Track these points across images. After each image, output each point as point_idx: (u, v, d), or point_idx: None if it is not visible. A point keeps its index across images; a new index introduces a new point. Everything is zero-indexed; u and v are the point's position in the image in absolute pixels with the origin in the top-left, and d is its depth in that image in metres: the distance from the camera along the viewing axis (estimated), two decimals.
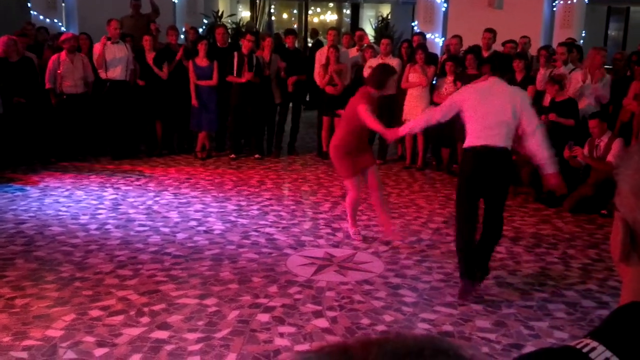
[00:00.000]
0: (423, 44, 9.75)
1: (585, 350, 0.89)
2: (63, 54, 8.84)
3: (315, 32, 16.64)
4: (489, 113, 4.73)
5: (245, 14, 18.48)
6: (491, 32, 9.49)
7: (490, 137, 4.72)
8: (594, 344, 0.90)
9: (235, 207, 7.14)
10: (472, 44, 9.38)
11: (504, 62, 5.38)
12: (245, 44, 9.26)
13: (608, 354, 0.88)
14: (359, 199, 6.21)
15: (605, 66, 8.61)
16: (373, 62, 9.25)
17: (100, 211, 6.88)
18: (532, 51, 10.10)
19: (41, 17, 11.73)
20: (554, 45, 10.08)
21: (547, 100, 8.18)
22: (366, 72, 9.29)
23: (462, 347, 0.55)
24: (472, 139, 4.80)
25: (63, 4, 12.38)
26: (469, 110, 4.83)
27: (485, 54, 9.35)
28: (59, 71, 8.76)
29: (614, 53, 11.38)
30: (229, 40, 10.49)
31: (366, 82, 6.05)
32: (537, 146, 4.77)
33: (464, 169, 4.96)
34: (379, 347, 0.52)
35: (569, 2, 11.98)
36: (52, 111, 8.89)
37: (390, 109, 9.25)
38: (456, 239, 5.02)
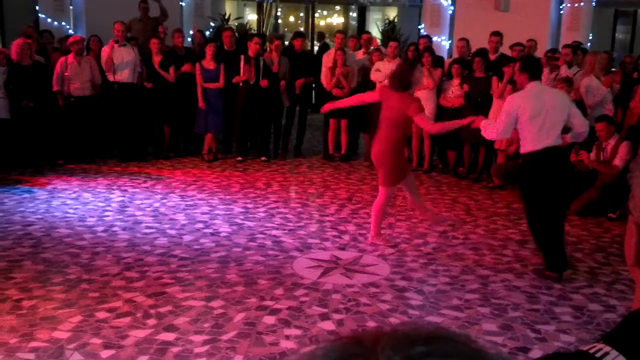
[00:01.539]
0: (430, 47, 9.75)
1: (598, 355, 0.89)
2: (70, 56, 8.87)
3: (321, 35, 16.64)
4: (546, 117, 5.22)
5: (252, 17, 18.50)
6: (498, 35, 9.48)
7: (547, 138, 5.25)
8: (607, 348, 0.89)
9: (242, 210, 7.15)
10: (479, 47, 9.38)
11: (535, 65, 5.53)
12: (252, 47, 9.27)
13: (621, 359, 0.87)
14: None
15: (613, 69, 8.60)
16: (380, 65, 9.27)
17: (107, 213, 6.90)
18: (539, 54, 10.07)
19: (49, 19, 11.78)
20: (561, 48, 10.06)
21: None
22: (373, 75, 9.30)
23: (471, 338, 0.56)
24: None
25: (71, 7, 12.42)
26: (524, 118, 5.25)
27: (492, 57, 9.35)
28: (66, 73, 8.80)
29: (622, 56, 11.35)
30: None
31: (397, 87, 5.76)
32: None
33: None
34: (390, 335, 0.53)
35: (576, 4, 11.95)
36: (60, 114, 8.92)
37: None
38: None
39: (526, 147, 5.28)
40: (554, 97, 5.34)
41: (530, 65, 5.42)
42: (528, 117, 5.16)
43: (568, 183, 5.64)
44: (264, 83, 9.18)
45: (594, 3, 12.13)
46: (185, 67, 9.37)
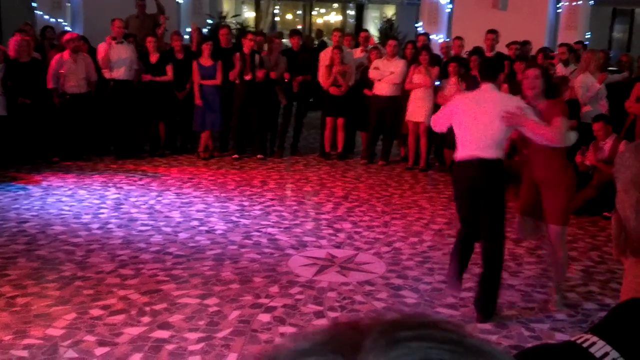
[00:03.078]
0: (427, 45, 9.75)
1: (585, 345, 0.91)
2: (66, 53, 8.84)
3: (320, 33, 16.65)
4: (479, 122, 4.44)
5: (249, 14, 18.50)
6: (493, 33, 9.49)
7: (479, 148, 4.44)
8: (594, 339, 0.91)
9: (238, 207, 7.14)
10: (476, 45, 9.39)
11: (492, 65, 4.93)
12: (247, 44, 9.26)
13: (607, 348, 0.89)
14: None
15: (610, 68, 8.62)
16: (379, 64, 9.27)
17: (102, 210, 6.89)
18: (533, 52, 10.10)
19: (46, 16, 11.76)
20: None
21: None
22: (371, 73, 9.30)
23: (460, 325, 0.56)
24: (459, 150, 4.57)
25: (68, 4, 12.40)
26: (457, 120, 4.54)
27: (489, 55, 9.35)
28: (61, 71, 8.77)
29: (619, 55, 11.36)
30: (233, 41, 10.50)
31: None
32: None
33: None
34: (380, 320, 0.55)
35: (574, 3, 11.96)
36: (56, 111, 8.90)
37: (394, 110, 9.25)
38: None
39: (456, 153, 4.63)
40: (494, 105, 4.46)
41: (484, 65, 4.87)
42: (459, 120, 4.51)
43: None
44: (260, 74, 9.15)
45: (591, 2, 12.15)
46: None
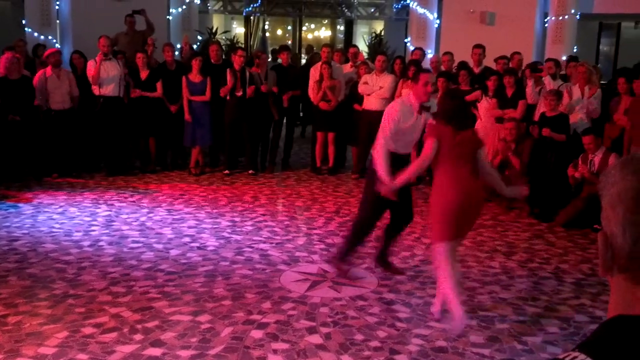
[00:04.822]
0: (417, 60, 9.81)
1: None
2: (49, 69, 8.85)
3: (310, 49, 16.71)
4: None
5: (239, 30, 18.56)
6: (480, 47, 9.56)
7: None
8: (582, 356, 0.92)
9: (229, 223, 7.14)
10: (462, 60, 9.47)
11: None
12: (237, 60, 9.30)
13: None
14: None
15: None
16: (368, 79, 9.33)
17: (93, 228, 6.87)
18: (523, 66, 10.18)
19: (36, 33, 11.75)
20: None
21: (538, 114, 8.24)
22: (361, 87, 9.36)
23: None
24: None
25: (57, 21, 12.39)
26: None
27: (477, 70, 9.43)
28: (47, 87, 8.77)
29: (605, 68, 11.47)
30: (223, 57, 10.54)
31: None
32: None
33: None
34: None
35: (561, 17, 12.08)
36: (44, 128, 8.87)
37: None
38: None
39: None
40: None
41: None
42: None
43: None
44: (250, 90, 9.20)
45: (578, 16, 12.27)
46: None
